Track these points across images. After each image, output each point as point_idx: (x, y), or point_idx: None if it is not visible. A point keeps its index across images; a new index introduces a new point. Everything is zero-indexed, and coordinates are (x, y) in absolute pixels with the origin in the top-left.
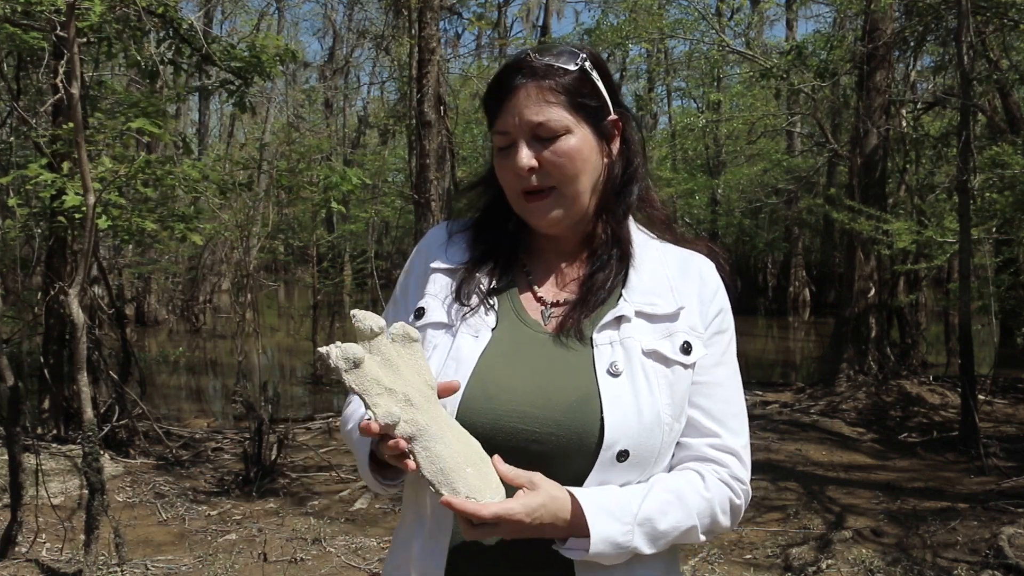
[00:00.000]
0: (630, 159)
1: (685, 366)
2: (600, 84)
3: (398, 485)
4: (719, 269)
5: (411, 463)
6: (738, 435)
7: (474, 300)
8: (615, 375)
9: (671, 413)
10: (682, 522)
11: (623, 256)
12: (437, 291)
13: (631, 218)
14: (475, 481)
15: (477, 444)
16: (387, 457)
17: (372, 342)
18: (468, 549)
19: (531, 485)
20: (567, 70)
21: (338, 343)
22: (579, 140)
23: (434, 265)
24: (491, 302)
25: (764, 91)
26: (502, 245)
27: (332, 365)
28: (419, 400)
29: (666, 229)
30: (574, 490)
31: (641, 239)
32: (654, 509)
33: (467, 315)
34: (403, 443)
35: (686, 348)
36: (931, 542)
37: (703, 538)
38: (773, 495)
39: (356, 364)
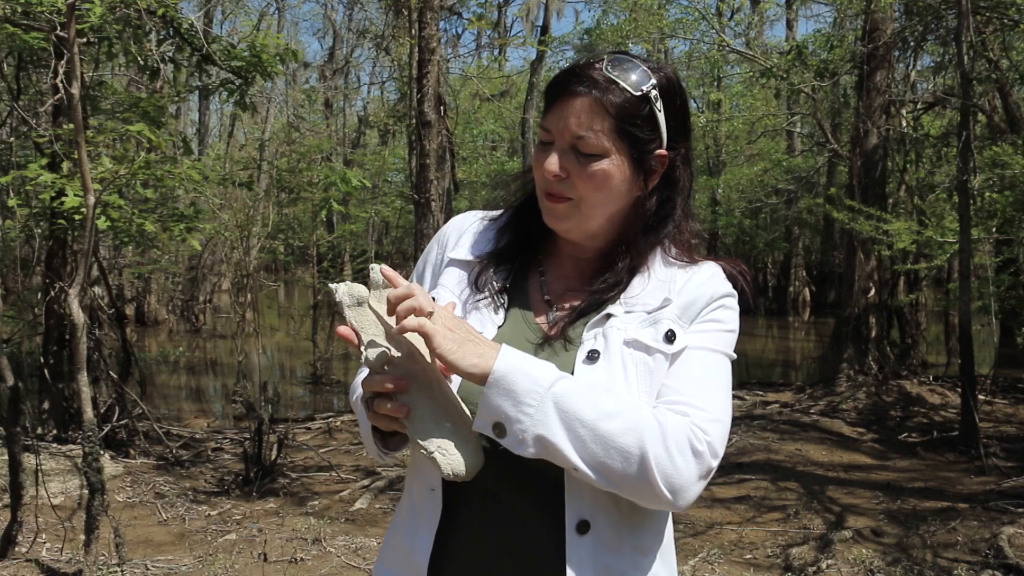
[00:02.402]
0: (670, 197)
1: (666, 355)
2: (660, 115)
3: (396, 455)
4: (737, 282)
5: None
6: (704, 409)
7: (486, 296)
8: (592, 361)
9: (647, 401)
10: (613, 415)
11: (633, 276)
12: (451, 283)
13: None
14: (449, 436)
15: (464, 409)
16: (366, 400)
17: (382, 291)
18: (455, 539)
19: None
20: (628, 92)
21: (348, 282)
22: (612, 167)
23: (453, 256)
24: (501, 300)
25: (764, 91)
26: (525, 242)
27: (337, 300)
28: (414, 351)
29: (685, 255)
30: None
31: (656, 259)
32: (576, 389)
33: (477, 308)
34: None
35: (669, 336)
36: (931, 542)
37: (656, 477)
38: (773, 495)
39: (359, 303)
